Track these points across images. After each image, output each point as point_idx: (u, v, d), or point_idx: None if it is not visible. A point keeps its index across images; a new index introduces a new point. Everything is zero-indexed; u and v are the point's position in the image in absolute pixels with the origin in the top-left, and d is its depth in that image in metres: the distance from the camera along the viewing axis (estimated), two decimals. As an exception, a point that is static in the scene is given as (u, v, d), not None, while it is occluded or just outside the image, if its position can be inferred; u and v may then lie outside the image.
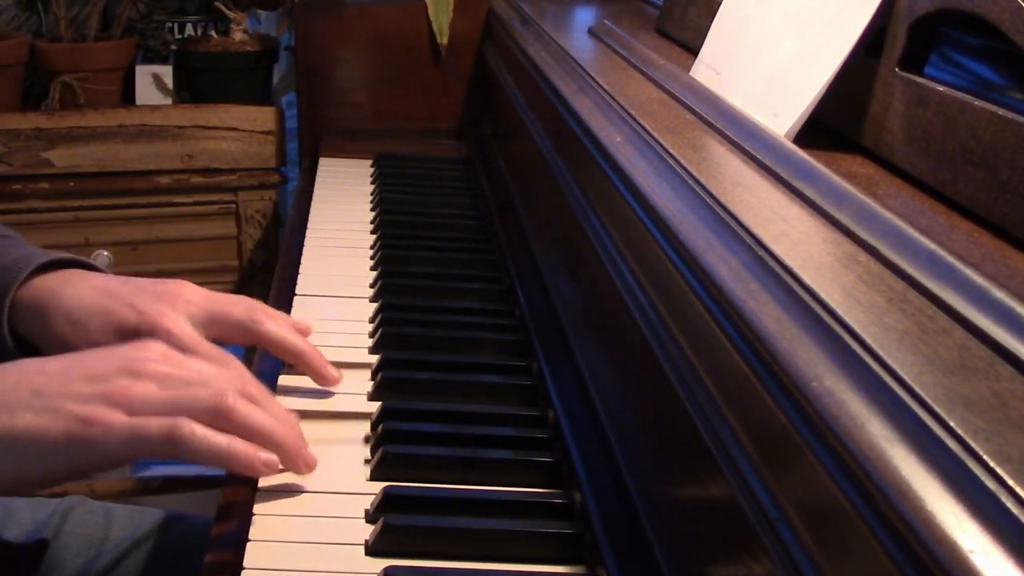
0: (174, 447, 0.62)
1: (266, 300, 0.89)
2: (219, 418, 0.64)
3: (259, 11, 1.81)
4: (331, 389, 0.81)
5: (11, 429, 0.62)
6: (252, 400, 0.67)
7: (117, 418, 0.62)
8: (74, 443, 0.62)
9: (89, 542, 0.92)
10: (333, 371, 0.80)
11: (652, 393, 0.65)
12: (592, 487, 0.68)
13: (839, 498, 0.39)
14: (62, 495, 0.99)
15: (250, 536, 0.63)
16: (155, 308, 0.76)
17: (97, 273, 0.80)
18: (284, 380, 0.81)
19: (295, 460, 0.68)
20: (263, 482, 0.68)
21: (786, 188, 0.64)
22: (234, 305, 0.79)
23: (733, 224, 0.59)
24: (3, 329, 0.76)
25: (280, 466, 0.67)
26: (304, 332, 0.83)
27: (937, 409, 0.38)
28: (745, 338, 0.50)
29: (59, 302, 0.76)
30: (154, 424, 0.62)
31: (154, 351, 0.67)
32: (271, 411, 0.68)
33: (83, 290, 0.77)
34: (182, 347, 0.72)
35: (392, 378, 0.82)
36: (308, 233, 1.16)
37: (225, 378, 0.67)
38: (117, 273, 0.83)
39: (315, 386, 0.80)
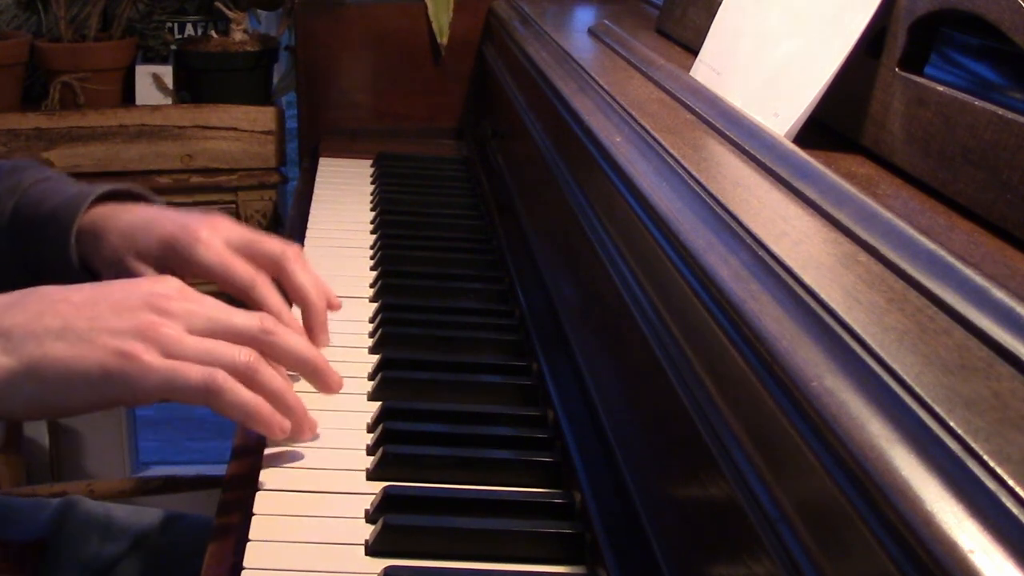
0: (208, 396, 0.64)
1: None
2: (247, 376, 0.66)
3: (259, 11, 1.81)
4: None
5: (42, 358, 0.63)
6: (272, 334, 0.70)
7: (155, 358, 0.64)
8: (110, 377, 0.63)
9: (88, 541, 0.92)
10: (335, 376, 0.78)
11: (652, 393, 0.65)
12: (592, 487, 0.68)
13: (839, 498, 0.39)
14: (61, 495, 0.99)
15: (250, 536, 0.63)
16: (196, 223, 0.81)
17: (149, 204, 0.86)
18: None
19: (327, 382, 0.73)
20: (263, 482, 0.68)
21: (786, 188, 0.64)
22: (270, 240, 0.83)
23: (733, 224, 0.59)
24: (71, 252, 0.81)
25: (288, 433, 0.69)
26: (330, 303, 0.85)
27: (937, 409, 0.38)
28: (745, 338, 0.50)
29: (113, 224, 0.82)
30: (193, 371, 0.64)
31: (171, 286, 0.69)
32: (292, 339, 0.71)
33: (135, 211, 0.83)
34: (215, 261, 0.79)
35: (392, 378, 0.82)
36: (308, 233, 1.16)
37: (244, 317, 0.69)
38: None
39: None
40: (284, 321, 0.74)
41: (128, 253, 0.80)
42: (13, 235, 0.84)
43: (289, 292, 0.82)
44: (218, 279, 0.79)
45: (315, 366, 0.72)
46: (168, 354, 0.64)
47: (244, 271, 0.79)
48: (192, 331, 0.66)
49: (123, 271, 0.80)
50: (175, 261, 0.80)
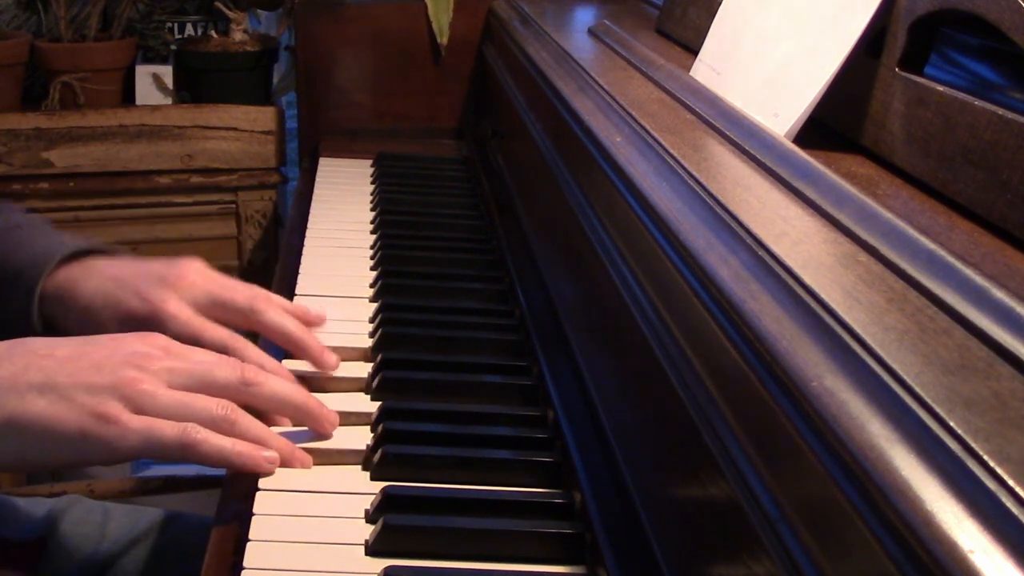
0: (184, 451, 0.65)
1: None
2: (225, 427, 0.67)
3: (259, 11, 1.81)
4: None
5: (22, 414, 0.64)
6: (254, 384, 0.70)
7: (132, 418, 0.65)
8: (87, 438, 0.64)
9: (86, 540, 0.92)
10: (331, 357, 0.82)
11: (652, 393, 0.65)
12: (592, 487, 0.68)
13: (839, 498, 0.39)
14: (61, 495, 0.99)
15: (250, 536, 0.63)
16: (159, 295, 0.79)
17: (115, 260, 0.84)
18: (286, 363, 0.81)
19: (320, 423, 0.72)
20: (263, 482, 0.68)
21: (786, 188, 0.64)
22: (236, 291, 0.81)
23: (733, 224, 0.59)
24: (33, 317, 0.80)
25: (278, 463, 0.69)
26: (308, 322, 0.85)
27: (937, 409, 0.38)
28: (745, 338, 0.50)
29: (78, 295, 0.80)
30: (168, 429, 0.65)
31: (156, 343, 0.70)
32: (276, 385, 0.71)
33: (98, 282, 0.81)
34: (184, 332, 0.76)
35: (392, 378, 0.82)
36: (308, 233, 1.16)
37: (226, 369, 0.70)
38: None
39: (314, 384, 0.80)
40: (268, 368, 0.74)
41: (96, 326, 0.79)
42: None
43: (268, 337, 0.81)
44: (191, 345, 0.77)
45: (306, 409, 0.72)
46: (144, 411, 0.65)
47: (214, 336, 0.78)
48: (173, 387, 0.67)
49: (96, 332, 0.78)
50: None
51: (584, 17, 1.37)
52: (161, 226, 1.67)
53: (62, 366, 0.66)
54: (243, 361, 0.73)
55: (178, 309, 0.79)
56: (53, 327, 0.82)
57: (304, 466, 0.71)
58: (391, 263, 1.07)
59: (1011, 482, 0.34)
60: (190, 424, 0.65)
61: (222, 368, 0.70)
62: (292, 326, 0.81)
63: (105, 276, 0.81)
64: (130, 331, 0.74)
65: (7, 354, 0.67)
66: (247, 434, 0.68)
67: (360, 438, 0.75)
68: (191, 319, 0.79)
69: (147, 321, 0.78)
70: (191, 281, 0.81)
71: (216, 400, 0.68)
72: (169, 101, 1.67)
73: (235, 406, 0.68)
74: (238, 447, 0.67)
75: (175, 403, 0.66)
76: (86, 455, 0.65)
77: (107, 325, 0.79)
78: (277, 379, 0.72)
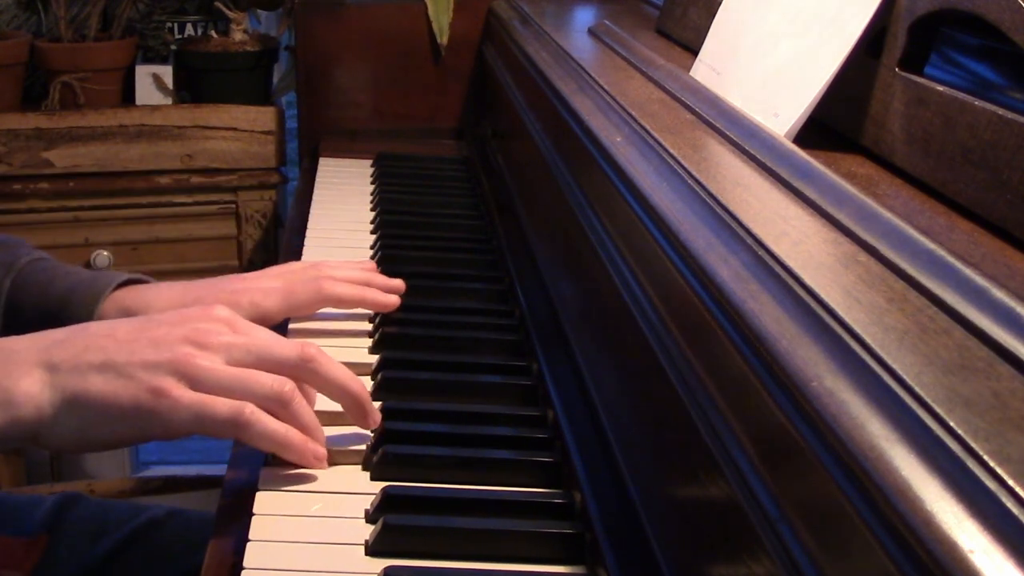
0: (237, 430, 0.65)
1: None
2: (279, 405, 0.67)
3: (259, 11, 1.81)
4: None
5: (82, 392, 0.65)
6: (313, 361, 0.69)
7: (184, 393, 0.65)
8: (141, 413, 0.65)
9: (86, 537, 0.92)
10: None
11: (652, 393, 0.65)
12: (592, 487, 0.68)
13: (839, 498, 0.39)
14: (61, 493, 0.99)
15: (250, 536, 0.63)
16: (239, 298, 0.84)
17: (167, 283, 0.88)
18: None
19: (367, 418, 0.72)
20: (263, 482, 0.68)
21: (786, 188, 0.64)
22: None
23: (733, 224, 0.59)
24: None
25: (326, 462, 0.70)
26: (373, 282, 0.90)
27: (937, 409, 0.38)
28: (745, 338, 0.50)
29: (149, 306, 0.83)
30: (220, 406, 0.65)
31: (219, 317, 0.70)
32: (336, 367, 0.71)
33: (166, 292, 0.85)
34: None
35: (392, 378, 0.82)
36: (308, 233, 1.16)
37: (286, 346, 0.70)
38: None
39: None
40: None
41: None
42: (8, 315, 0.85)
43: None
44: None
45: (358, 397, 0.71)
46: (200, 387, 0.66)
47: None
48: (231, 362, 0.68)
49: None
50: None
51: (584, 17, 1.37)
52: (161, 226, 1.67)
53: (122, 346, 0.67)
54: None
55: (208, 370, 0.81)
56: None
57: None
58: (391, 263, 1.07)
59: (1011, 482, 0.34)
60: (245, 404, 0.65)
61: (282, 344, 0.70)
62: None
63: (167, 287, 0.86)
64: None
65: (69, 338, 0.68)
66: (298, 417, 0.68)
67: (360, 438, 0.75)
68: (224, 377, 0.78)
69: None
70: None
71: (273, 376, 0.67)
72: (169, 101, 1.67)
73: (293, 384, 0.68)
74: (291, 435, 0.67)
75: (231, 378, 0.66)
76: (143, 430, 0.66)
77: None
78: (335, 362, 0.71)
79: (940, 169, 0.61)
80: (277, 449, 0.67)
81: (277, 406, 0.67)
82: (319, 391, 0.72)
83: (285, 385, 0.67)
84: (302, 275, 0.90)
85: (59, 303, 0.83)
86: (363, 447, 0.73)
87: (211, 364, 0.67)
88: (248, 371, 0.67)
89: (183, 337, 0.68)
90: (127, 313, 0.83)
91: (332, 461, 0.72)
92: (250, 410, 0.65)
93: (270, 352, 0.69)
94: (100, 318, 0.82)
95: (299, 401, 0.68)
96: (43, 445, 0.67)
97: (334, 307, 0.90)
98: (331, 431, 0.73)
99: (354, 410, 0.72)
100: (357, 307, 0.91)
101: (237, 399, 0.66)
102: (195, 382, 0.66)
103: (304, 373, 0.69)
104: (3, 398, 0.65)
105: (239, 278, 0.89)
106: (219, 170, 1.66)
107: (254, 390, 0.67)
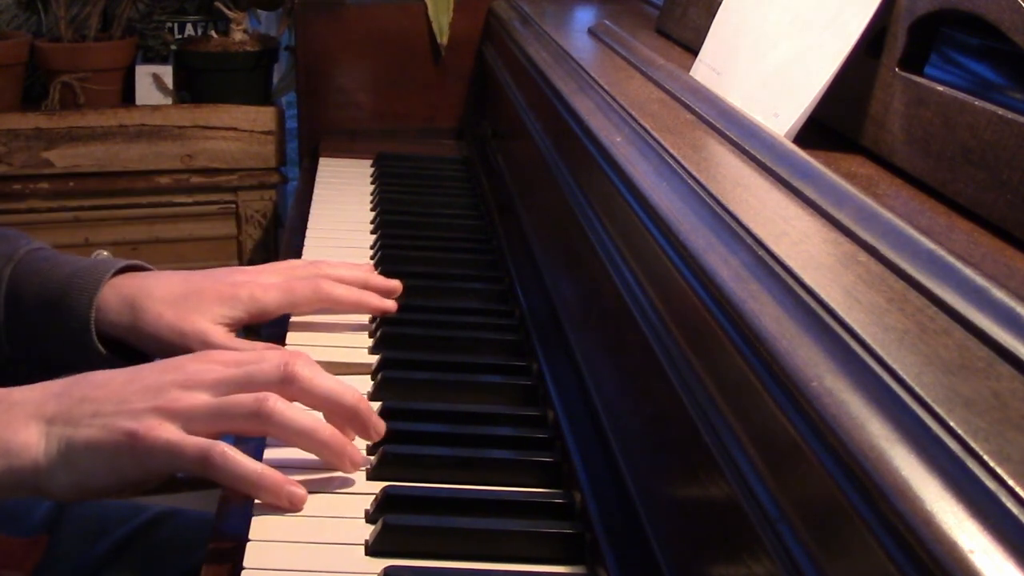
0: (207, 470, 0.65)
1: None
2: (261, 423, 0.66)
3: (259, 11, 1.81)
4: None
5: (73, 444, 0.66)
6: (298, 380, 0.68)
7: (160, 435, 0.65)
8: (122, 458, 0.65)
9: (86, 537, 0.92)
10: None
11: (652, 393, 0.65)
12: (592, 487, 0.68)
13: (839, 498, 0.39)
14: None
15: (250, 536, 0.63)
16: (241, 277, 0.88)
17: (167, 272, 0.89)
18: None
19: (342, 460, 0.69)
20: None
21: (786, 188, 0.64)
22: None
23: (733, 224, 0.59)
24: (90, 324, 0.83)
25: (303, 503, 0.66)
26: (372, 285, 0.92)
27: (937, 409, 0.38)
28: (745, 338, 0.50)
29: (149, 291, 0.84)
30: (190, 447, 0.65)
31: (215, 359, 0.70)
32: (326, 379, 0.69)
33: (164, 278, 0.86)
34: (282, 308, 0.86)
35: (392, 378, 0.82)
36: (308, 233, 1.16)
37: (267, 365, 0.69)
38: None
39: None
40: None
41: (175, 317, 0.83)
42: (9, 304, 0.85)
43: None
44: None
45: (353, 409, 0.69)
46: (189, 427, 0.66)
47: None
48: (220, 396, 0.67)
49: (183, 333, 0.83)
50: (235, 313, 0.87)
51: (584, 17, 1.37)
52: (161, 226, 1.67)
53: (112, 395, 0.67)
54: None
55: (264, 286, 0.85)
56: (116, 341, 0.84)
57: (356, 467, 0.69)
58: (391, 263, 1.07)
59: (1011, 482, 0.34)
60: (216, 444, 0.65)
61: (264, 364, 0.69)
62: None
63: (167, 275, 0.86)
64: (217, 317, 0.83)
65: (66, 390, 0.68)
66: (287, 425, 0.66)
67: (360, 438, 0.75)
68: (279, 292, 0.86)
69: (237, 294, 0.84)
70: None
71: (251, 395, 0.66)
72: (169, 101, 1.68)
73: (273, 396, 0.66)
74: (264, 478, 0.65)
75: (208, 409, 0.66)
76: (128, 476, 0.66)
77: (190, 312, 0.83)
78: (326, 377, 0.69)
79: (940, 169, 0.61)
80: (250, 491, 0.65)
81: (260, 424, 0.66)
82: (313, 408, 0.69)
83: (265, 401, 0.66)
84: (302, 272, 0.90)
85: (59, 291, 0.83)
86: (363, 448, 0.73)
87: (189, 403, 0.66)
88: (227, 398, 0.67)
89: (173, 381, 0.68)
90: (126, 299, 0.83)
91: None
92: (219, 450, 0.64)
93: (251, 379, 0.68)
94: (100, 305, 0.83)
95: (281, 412, 0.66)
96: (45, 495, 0.67)
97: (332, 308, 0.90)
98: None
99: (352, 423, 0.70)
100: (354, 310, 0.91)
101: (222, 428, 0.66)
102: (180, 421, 0.66)
103: (291, 393, 0.68)
104: (1, 448, 0.66)
105: (240, 271, 0.89)
106: (219, 170, 1.66)
107: (233, 414, 0.66)
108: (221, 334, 0.84)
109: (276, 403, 0.66)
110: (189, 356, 0.71)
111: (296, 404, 0.68)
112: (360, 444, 0.74)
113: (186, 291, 0.84)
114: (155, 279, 0.86)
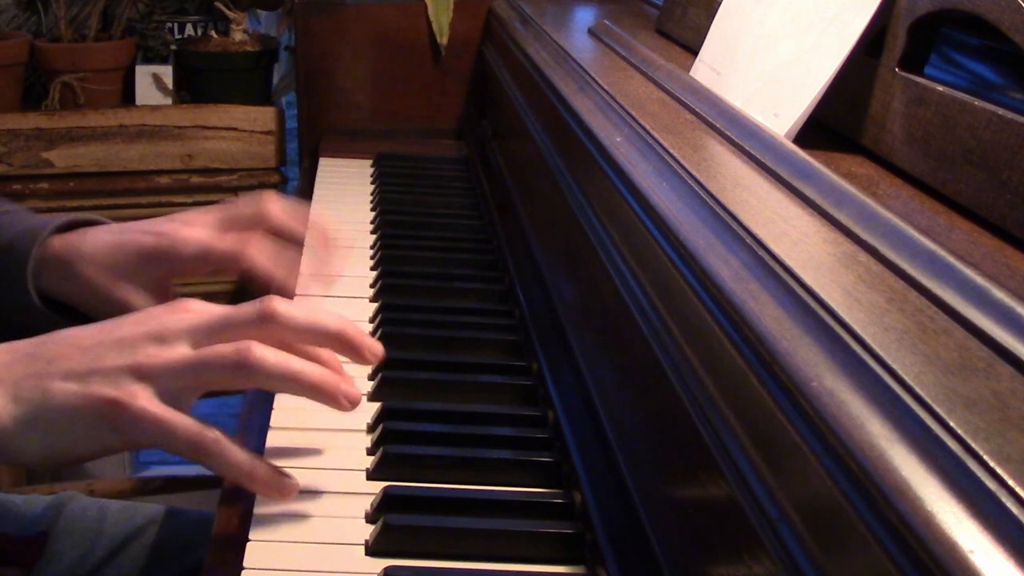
0: (198, 456, 0.63)
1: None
2: (245, 373, 0.63)
3: (259, 11, 1.81)
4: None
5: (45, 407, 0.63)
6: (278, 315, 0.65)
7: (148, 407, 0.62)
8: (103, 425, 0.63)
9: (84, 536, 0.92)
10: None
11: (652, 393, 0.65)
12: (592, 487, 0.68)
13: (839, 498, 0.39)
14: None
15: (250, 536, 0.63)
16: (169, 226, 0.82)
17: (109, 224, 0.86)
18: None
19: (336, 399, 0.66)
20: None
21: (786, 188, 0.64)
22: (244, 204, 0.84)
23: (733, 224, 0.59)
24: (27, 284, 0.80)
25: (295, 494, 0.65)
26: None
27: (937, 409, 0.38)
28: (745, 338, 0.50)
29: (81, 251, 0.81)
30: (181, 429, 0.63)
31: (186, 308, 0.67)
32: (304, 311, 0.66)
33: (100, 235, 0.83)
34: (201, 248, 0.80)
35: (392, 378, 0.82)
36: (308, 233, 1.16)
37: (244, 308, 0.66)
38: None
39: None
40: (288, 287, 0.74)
41: (107, 281, 0.80)
42: None
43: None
44: (205, 261, 0.81)
45: (342, 333, 0.66)
46: (163, 387, 0.63)
47: (230, 243, 0.80)
48: (196, 347, 0.64)
49: (111, 300, 0.80)
50: (159, 268, 0.81)
51: (584, 17, 1.37)
52: (161, 226, 1.67)
53: (85, 353, 0.64)
54: (253, 263, 0.76)
55: (190, 232, 0.81)
56: (54, 300, 0.82)
57: (353, 404, 0.66)
58: (391, 263, 1.07)
59: (1011, 482, 0.34)
60: (209, 430, 0.63)
61: (240, 309, 0.66)
62: (294, 223, 0.84)
63: (105, 230, 0.83)
64: (144, 275, 0.80)
65: (36, 351, 0.65)
66: (273, 374, 0.63)
67: (360, 438, 0.75)
68: (206, 234, 0.81)
69: (162, 252, 0.80)
70: (197, 217, 0.83)
71: (231, 345, 0.63)
72: (169, 101, 1.67)
73: (256, 344, 0.63)
74: (256, 469, 0.64)
75: (186, 365, 0.63)
76: (108, 443, 0.64)
77: (121, 268, 0.81)
78: (307, 307, 0.67)
79: (940, 169, 0.61)
80: (242, 480, 0.64)
81: (245, 375, 0.63)
82: (301, 343, 0.66)
83: (248, 351, 0.62)
84: (241, 216, 0.85)
85: (5, 250, 0.81)
86: (363, 448, 0.73)
87: (168, 358, 0.63)
88: (206, 350, 0.64)
89: (147, 333, 0.64)
90: (60, 260, 0.81)
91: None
92: (213, 437, 0.62)
93: (228, 321, 0.65)
94: (36, 267, 0.80)
95: (265, 359, 0.63)
96: (8, 460, 0.64)
97: (279, 227, 0.86)
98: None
99: (345, 349, 0.67)
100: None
101: (205, 384, 0.64)
102: (160, 380, 0.63)
103: (274, 332, 0.65)
104: None
105: (178, 218, 0.85)
106: (219, 170, 1.66)
107: (214, 366, 0.63)
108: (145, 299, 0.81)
109: (259, 351, 0.63)
110: (163, 306, 0.68)
111: (279, 352, 0.64)
112: (358, 443, 0.74)
113: (121, 242, 0.82)
114: (91, 235, 0.83)
